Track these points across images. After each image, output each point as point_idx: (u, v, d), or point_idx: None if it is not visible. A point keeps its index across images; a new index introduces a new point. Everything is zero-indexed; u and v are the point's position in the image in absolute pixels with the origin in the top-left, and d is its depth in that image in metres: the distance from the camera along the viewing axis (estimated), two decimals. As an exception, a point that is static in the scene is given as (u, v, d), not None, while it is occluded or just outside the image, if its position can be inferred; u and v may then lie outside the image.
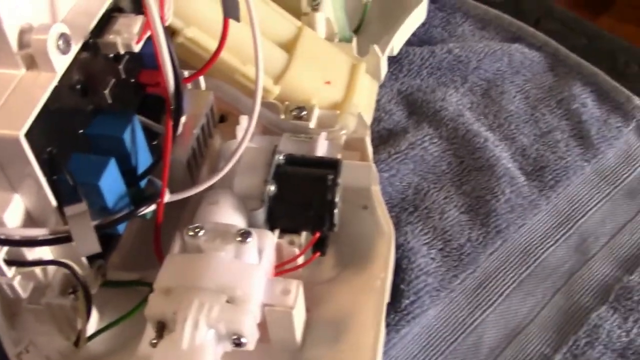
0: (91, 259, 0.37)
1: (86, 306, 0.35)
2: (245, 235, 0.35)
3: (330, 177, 0.39)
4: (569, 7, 0.72)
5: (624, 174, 0.52)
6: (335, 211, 0.39)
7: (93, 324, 0.38)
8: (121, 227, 0.35)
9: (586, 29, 0.65)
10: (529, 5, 0.68)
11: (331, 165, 0.40)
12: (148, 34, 0.34)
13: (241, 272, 0.34)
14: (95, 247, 0.32)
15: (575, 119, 0.54)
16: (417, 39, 0.61)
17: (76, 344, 0.36)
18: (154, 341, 0.32)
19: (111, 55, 0.35)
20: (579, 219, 0.49)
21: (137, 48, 0.34)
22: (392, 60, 0.57)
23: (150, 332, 0.34)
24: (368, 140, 0.45)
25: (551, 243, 0.47)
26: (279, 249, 0.39)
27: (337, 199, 0.38)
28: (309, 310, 0.38)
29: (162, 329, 0.33)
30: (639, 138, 0.54)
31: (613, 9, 0.92)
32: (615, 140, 0.54)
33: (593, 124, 0.54)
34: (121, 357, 0.38)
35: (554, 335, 0.43)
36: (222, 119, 0.48)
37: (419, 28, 0.60)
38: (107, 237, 0.37)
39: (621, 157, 0.53)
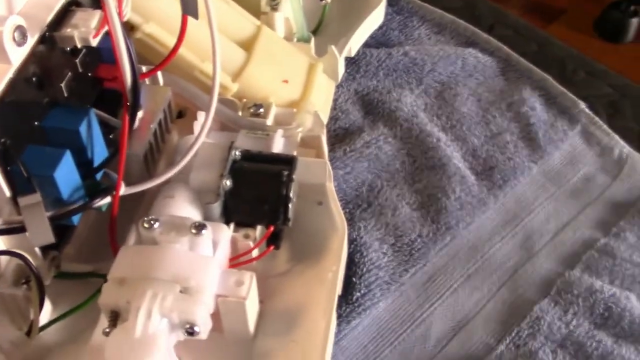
0: (45, 249, 0.37)
1: (39, 296, 0.36)
2: (199, 227, 0.35)
3: (286, 172, 0.40)
4: (522, 14, 0.74)
5: (569, 175, 0.54)
6: (290, 206, 0.39)
7: (46, 315, 0.38)
8: (76, 219, 0.35)
9: (537, 36, 0.68)
10: (484, 12, 0.70)
11: (287, 161, 0.41)
12: (106, 28, 0.35)
13: (195, 264, 0.35)
14: (49, 237, 0.33)
15: (524, 121, 0.57)
16: (375, 41, 0.62)
17: (28, 333, 0.36)
18: (107, 330, 0.33)
19: (68, 48, 0.35)
20: (525, 218, 0.51)
21: (94, 42, 0.35)
22: (349, 61, 0.58)
23: (103, 322, 0.35)
24: (324, 138, 0.46)
25: (498, 240, 0.49)
26: (234, 243, 0.39)
27: (291, 194, 0.39)
28: (262, 302, 0.39)
29: (115, 318, 0.33)
30: (583, 141, 0.57)
31: (564, 17, 0.96)
32: (561, 143, 0.56)
33: (541, 127, 0.56)
34: (74, 348, 0.38)
35: (498, 327, 0.44)
36: (180, 114, 0.49)
37: (376, 31, 0.62)
38: (62, 228, 0.38)
39: (566, 158, 0.56)
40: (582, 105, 0.58)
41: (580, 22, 0.91)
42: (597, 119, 0.58)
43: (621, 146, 0.56)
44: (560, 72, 0.64)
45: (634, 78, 0.66)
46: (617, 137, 0.57)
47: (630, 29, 0.95)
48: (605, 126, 0.57)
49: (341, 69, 0.55)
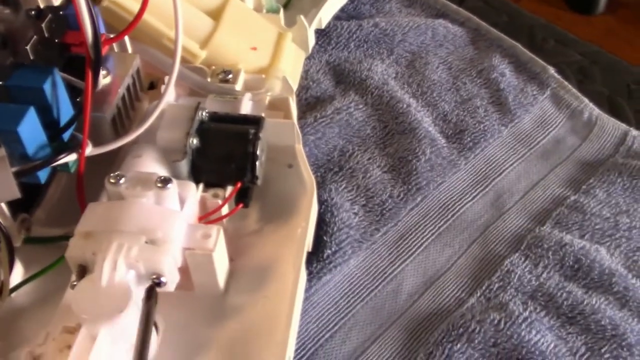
0: (15, 211, 0.38)
1: (8, 257, 0.36)
2: (165, 182, 0.36)
3: (252, 131, 0.40)
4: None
5: (539, 137, 0.55)
6: (257, 164, 0.40)
7: (17, 277, 0.39)
8: (42, 176, 0.35)
9: (508, 8, 0.69)
10: (455, -15, 0.71)
11: (254, 121, 0.41)
12: (67, -12, 0.35)
13: (161, 216, 0.35)
14: (14, 192, 0.33)
15: (494, 87, 0.57)
16: (346, 15, 0.63)
17: (-1, 295, 0.37)
18: (74, 283, 0.33)
19: (33, 12, 0.36)
20: (496, 178, 0.52)
21: (56, 2, 0.36)
22: (320, 33, 0.59)
23: (74, 279, 0.35)
24: (292, 101, 0.47)
25: (469, 199, 0.50)
26: (203, 202, 0.40)
27: (258, 152, 0.40)
28: (233, 260, 0.40)
29: (83, 272, 0.34)
30: (553, 105, 0.58)
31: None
32: (531, 107, 0.57)
33: (510, 92, 0.57)
34: (46, 309, 0.38)
35: (469, 282, 0.45)
36: (152, 85, 0.49)
37: (347, 5, 0.63)
38: (31, 190, 0.38)
39: (536, 122, 0.56)
40: (552, 70, 0.59)
41: (551, -5, 0.92)
42: (566, 83, 0.59)
43: (591, 109, 0.57)
44: (530, 41, 0.65)
45: (605, 48, 0.67)
46: (586, 100, 0.58)
47: (600, 0, 0.96)
48: (574, 90, 0.58)
49: (311, 40, 0.55)
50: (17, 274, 0.39)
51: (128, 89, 0.44)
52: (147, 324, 0.32)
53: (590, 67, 0.63)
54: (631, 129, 0.56)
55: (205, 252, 0.36)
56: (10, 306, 0.38)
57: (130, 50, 0.46)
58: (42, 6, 0.35)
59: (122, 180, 0.36)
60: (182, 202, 0.37)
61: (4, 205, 0.37)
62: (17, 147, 0.33)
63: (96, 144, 0.38)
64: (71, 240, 0.34)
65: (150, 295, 0.33)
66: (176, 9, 0.37)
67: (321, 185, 0.48)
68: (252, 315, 0.38)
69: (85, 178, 0.37)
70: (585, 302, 0.43)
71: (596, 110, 0.57)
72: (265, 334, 0.37)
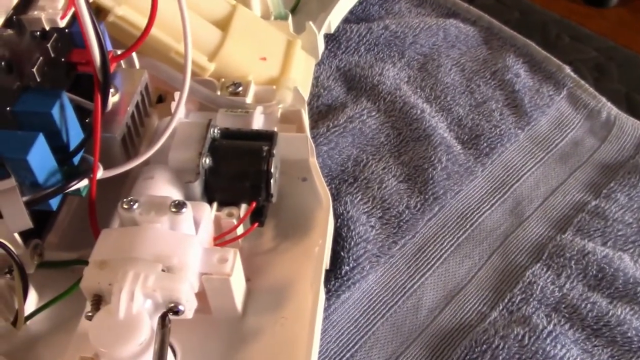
0: (27, 238, 0.37)
1: (22, 285, 0.35)
2: (179, 206, 0.35)
3: (265, 147, 0.39)
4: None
5: (556, 139, 0.54)
6: (272, 181, 0.39)
7: (32, 304, 0.38)
8: (54, 203, 0.35)
9: (519, 4, 0.67)
10: (464, -18, 0.69)
11: (267, 137, 0.41)
12: (73, 9, 0.34)
13: (177, 242, 0.34)
14: (26, 223, 0.32)
15: (509, 88, 0.56)
16: (355, 17, 0.62)
17: (14, 323, 0.36)
18: (90, 314, 0.32)
19: (38, 33, 0.35)
20: (514, 184, 0.51)
21: (62, 23, 0.35)
22: (330, 37, 0.58)
23: (89, 309, 0.34)
24: (304, 113, 0.46)
25: (487, 207, 0.49)
26: (217, 222, 0.39)
27: (272, 169, 0.39)
28: (250, 280, 0.39)
29: (98, 302, 0.33)
30: (570, 105, 0.56)
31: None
32: (547, 108, 0.55)
33: (526, 93, 0.56)
34: (62, 336, 0.37)
35: (490, 294, 0.44)
36: (160, 99, 0.48)
37: (356, 7, 0.61)
38: (42, 215, 0.38)
39: (553, 123, 0.55)
40: (568, 69, 0.58)
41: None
42: (583, 82, 0.57)
43: (609, 108, 0.56)
44: (544, 38, 0.63)
45: (620, 42, 0.65)
46: (604, 99, 0.56)
47: (613, -8, 0.94)
48: (591, 89, 0.57)
49: (321, 46, 0.54)
50: (31, 299, 0.38)
51: (137, 106, 0.43)
52: (161, 351, 0.31)
53: (606, 64, 0.62)
54: (651, 128, 0.54)
55: (223, 276, 0.35)
56: (25, 334, 0.38)
57: (137, 65, 0.45)
58: (47, 28, 0.34)
59: (136, 206, 0.35)
60: (196, 224, 0.36)
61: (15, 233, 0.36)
62: (28, 176, 0.33)
63: (106, 165, 0.37)
64: (86, 270, 0.33)
65: (164, 322, 0.32)
66: (185, 24, 0.36)
67: (336, 197, 0.47)
68: (272, 337, 0.37)
69: (96, 199, 0.37)
70: (610, 313, 0.42)
71: (614, 110, 0.56)
72: (286, 357, 0.36)
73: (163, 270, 0.33)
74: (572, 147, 0.54)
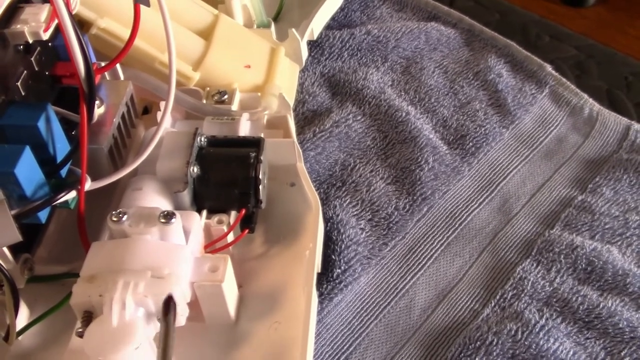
0: (16, 252, 0.37)
1: (13, 300, 0.35)
2: (169, 216, 0.35)
3: (253, 154, 0.39)
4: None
5: (541, 137, 0.54)
6: (260, 187, 0.39)
7: (24, 319, 0.38)
8: (43, 216, 0.35)
9: (499, 5, 0.68)
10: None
11: (253, 143, 0.41)
12: (56, 21, 0.34)
13: (167, 252, 0.34)
14: (15, 236, 0.32)
15: (492, 88, 0.57)
16: (337, 24, 0.62)
17: (6, 339, 0.36)
18: (80, 330, 0.32)
19: (21, 46, 0.35)
20: (501, 182, 0.51)
21: (45, 36, 0.35)
22: (313, 44, 0.58)
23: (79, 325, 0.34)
24: (290, 118, 0.46)
25: (475, 206, 0.49)
26: (207, 230, 0.39)
27: (261, 176, 0.39)
28: (242, 286, 0.39)
29: (89, 318, 0.32)
30: (552, 102, 0.57)
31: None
32: (530, 106, 0.56)
33: (509, 93, 0.56)
34: (54, 350, 0.37)
35: (482, 291, 0.44)
36: (146, 110, 0.48)
37: (338, 13, 0.62)
38: (31, 228, 0.37)
39: (537, 121, 0.56)
40: (549, 67, 0.58)
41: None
42: (564, 80, 0.58)
43: (591, 104, 0.57)
44: (524, 38, 0.64)
45: (599, 39, 0.66)
46: (586, 96, 0.57)
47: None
48: (573, 86, 0.58)
49: (304, 53, 0.54)
50: (22, 314, 0.38)
51: (123, 117, 0.43)
52: (166, 340, 0.31)
53: (586, 61, 0.62)
54: (633, 122, 0.55)
55: (215, 283, 0.35)
56: (18, 349, 0.37)
57: (121, 76, 0.45)
58: (30, 41, 0.34)
59: (125, 218, 0.35)
60: (186, 233, 0.36)
61: (5, 248, 0.36)
62: (15, 189, 0.33)
63: (94, 176, 0.37)
64: (75, 286, 0.33)
65: (168, 309, 0.32)
66: (168, 34, 0.36)
67: (325, 201, 0.47)
68: (266, 342, 0.37)
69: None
70: (601, 306, 0.43)
71: (596, 106, 0.57)
72: (281, 362, 0.36)
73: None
74: (556, 144, 0.54)
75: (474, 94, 0.56)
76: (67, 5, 0.34)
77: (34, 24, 0.34)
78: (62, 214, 0.42)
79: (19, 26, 0.34)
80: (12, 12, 0.34)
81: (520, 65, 0.59)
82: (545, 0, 0.89)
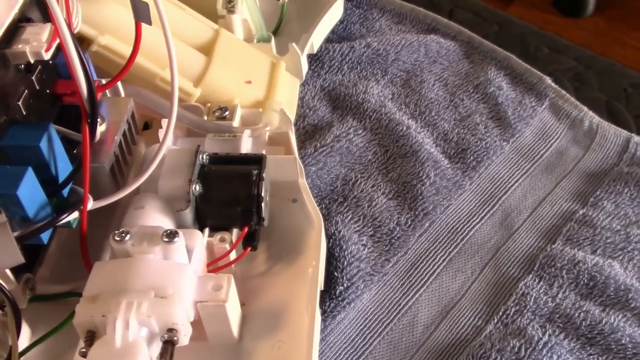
0: (18, 272, 0.36)
1: (15, 321, 0.35)
2: (171, 235, 0.35)
3: (255, 171, 0.39)
4: (481, -2, 0.75)
5: (541, 150, 0.55)
6: (263, 205, 0.39)
7: (26, 340, 0.37)
8: (45, 237, 0.34)
9: (497, 17, 0.68)
10: (442, -2, 0.71)
11: (255, 160, 0.41)
12: (57, 41, 0.34)
13: (170, 272, 0.34)
14: (17, 258, 0.32)
15: (492, 101, 0.57)
16: (337, 37, 0.62)
17: (8, 360, 0.35)
18: (83, 350, 0.32)
19: (22, 66, 0.35)
20: (502, 196, 0.51)
21: (47, 56, 0.34)
22: (313, 57, 0.58)
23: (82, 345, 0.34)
24: (292, 134, 0.46)
25: (477, 220, 0.49)
26: (210, 248, 0.39)
27: (263, 193, 0.39)
28: (244, 304, 0.39)
29: (92, 338, 0.32)
30: (552, 115, 0.57)
31: (522, -3, 0.96)
32: (530, 119, 0.56)
33: (509, 105, 0.56)
34: (57, 371, 0.37)
35: (485, 307, 0.44)
36: (147, 126, 0.48)
37: (337, 26, 0.62)
38: (33, 248, 0.37)
39: (537, 134, 0.56)
40: (548, 80, 0.58)
41: (539, 0, 0.92)
42: (564, 92, 0.58)
43: (590, 117, 0.57)
44: (523, 50, 0.64)
45: (597, 50, 0.66)
46: (585, 108, 0.57)
47: (589, 2, 0.95)
48: (573, 99, 0.58)
49: (304, 66, 0.54)
50: (25, 335, 0.38)
51: (124, 134, 0.42)
52: None
53: (585, 73, 0.63)
54: (633, 135, 0.55)
55: (218, 303, 0.35)
56: (18, 371, 0.37)
57: (122, 93, 0.45)
58: (32, 61, 0.34)
59: (128, 237, 0.35)
60: (189, 251, 0.36)
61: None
62: (17, 211, 0.32)
63: (96, 195, 0.37)
64: (78, 306, 0.33)
65: (165, 351, 0.32)
66: (170, 51, 0.36)
67: (327, 217, 0.47)
68: (269, 362, 0.37)
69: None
70: (603, 321, 0.43)
71: (596, 118, 0.57)
72: (284, 381, 0.36)
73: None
74: (557, 157, 0.54)
75: (475, 107, 0.56)
76: (69, 25, 0.34)
77: (36, 44, 0.34)
78: (63, 233, 0.42)
79: (20, 46, 0.34)
80: (13, 31, 0.34)
81: (520, 78, 0.59)
82: (542, 11, 0.89)
